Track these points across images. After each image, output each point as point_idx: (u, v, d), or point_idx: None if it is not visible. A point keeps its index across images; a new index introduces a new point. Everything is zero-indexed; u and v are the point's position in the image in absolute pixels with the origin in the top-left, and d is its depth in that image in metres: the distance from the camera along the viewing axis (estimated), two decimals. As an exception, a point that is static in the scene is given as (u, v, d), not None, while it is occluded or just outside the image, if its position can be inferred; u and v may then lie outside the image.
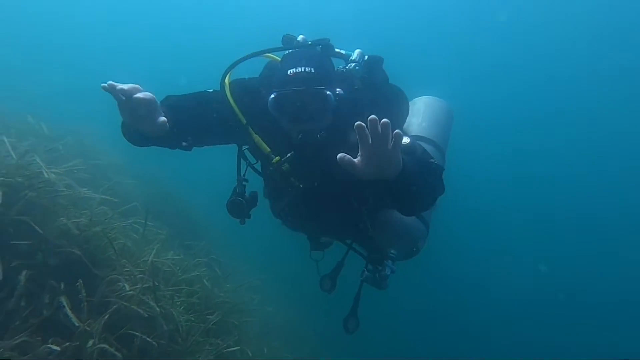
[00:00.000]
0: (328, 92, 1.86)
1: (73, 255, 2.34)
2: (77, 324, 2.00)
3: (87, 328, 2.02)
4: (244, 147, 2.25)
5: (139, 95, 1.54)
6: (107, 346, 1.97)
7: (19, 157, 2.43)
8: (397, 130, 1.46)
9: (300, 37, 2.25)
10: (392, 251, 2.26)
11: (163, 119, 1.61)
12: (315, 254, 2.54)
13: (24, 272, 2.05)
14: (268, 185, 2.37)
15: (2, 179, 2.15)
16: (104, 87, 1.46)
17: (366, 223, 2.28)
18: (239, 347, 2.72)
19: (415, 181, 1.62)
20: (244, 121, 2.05)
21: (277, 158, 2.04)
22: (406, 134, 1.92)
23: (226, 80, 2.08)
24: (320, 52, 2.11)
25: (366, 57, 2.31)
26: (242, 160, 2.27)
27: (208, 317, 2.80)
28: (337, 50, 2.28)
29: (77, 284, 2.07)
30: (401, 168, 1.55)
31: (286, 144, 2.01)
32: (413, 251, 2.35)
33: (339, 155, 1.49)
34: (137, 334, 2.21)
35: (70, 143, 4.20)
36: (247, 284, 4.01)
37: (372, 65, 2.30)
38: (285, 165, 2.03)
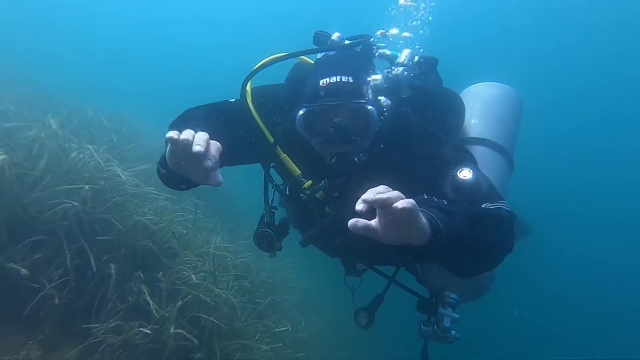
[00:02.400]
0: (370, 107, 1.47)
1: (147, 248, 2.62)
2: (156, 311, 2.30)
3: (166, 314, 2.32)
4: (271, 165, 1.86)
5: (212, 152, 1.13)
6: (184, 332, 2.26)
7: (97, 161, 2.67)
8: (408, 205, 0.98)
9: (335, 35, 1.76)
10: (451, 295, 1.76)
11: (220, 178, 1.20)
12: (351, 280, 2.06)
13: (112, 265, 2.34)
14: (296, 210, 1.94)
15: (89, 185, 2.40)
16: (172, 140, 1.09)
17: (415, 265, 1.90)
18: (285, 327, 3.00)
19: (463, 242, 1.21)
20: (272, 139, 1.67)
21: (310, 182, 1.65)
22: (464, 162, 1.48)
23: (248, 88, 1.71)
24: (359, 55, 1.69)
25: (416, 58, 1.84)
26: (269, 183, 1.88)
27: (257, 300, 3.09)
28: (381, 50, 1.82)
29: (159, 274, 2.35)
30: (430, 234, 1.08)
31: (321, 166, 1.62)
32: (477, 295, 1.85)
33: (350, 221, 1.04)
34: (204, 316, 2.50)
35: (125, 134, 4.46)
36: (284, 264, 4.29)
37: (424, 69, 1.87)
38: (320, 192, 1.64)
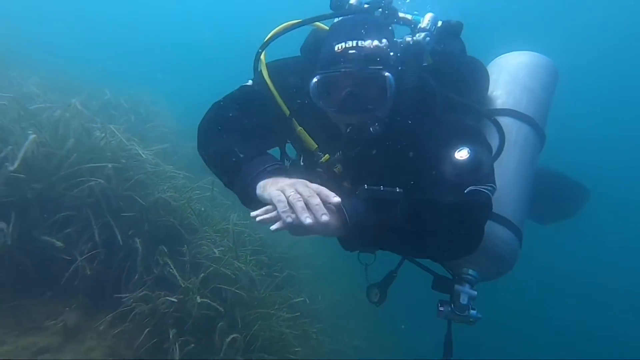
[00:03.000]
0: (387, 74, 1.39)
1: (169, 223, 2.72)
2: (181, 282, 2.41)
3: (189, 285, 2.43)
4: (287, 141, 1.79)
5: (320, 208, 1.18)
6: (209, 301, 2.37)
7: (119, 140, 2.75)
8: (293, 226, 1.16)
9: (354, 0, 1.66)
10: (469, 271, 1.65)
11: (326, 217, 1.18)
12: (365, 257, 1.96)
13: (137, 240, 2.44)
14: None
15: (112, 163, 2.48)
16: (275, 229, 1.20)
17: None
18: (302, 298, 3.11)
19: (400, 232, 1.29)
20: (287, 112, 1.60)
21: (327, 157, 1.59)
22: (466, 140, 1.44)
23: (262, 58, 1.64)
24: (378, 19, 1.58)
25: (440, 23, 1.72)
26: (285, 160, 1.81)
27: (275, 273, 3.19)
28: (401, 14, 1.71)
29: (183, 248, 2.45)
30: (340, 228, 1.24)
31: (337, 139, 1.57)
32: (499, 271, 1.71)
33: (252, 213, 1.24)
34: (225, 287, 2.61)
35: (142, 114, 4.53)
36: (299, 240, 4.39)
37: (447, 35, 1.74)
38: (338, 166, 1.59)
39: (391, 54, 1.44)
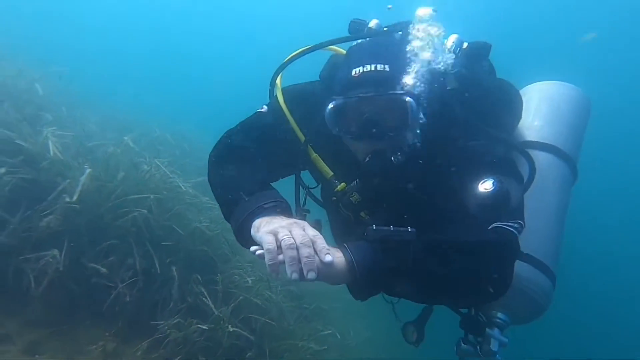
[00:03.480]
0: (408, 99, 1.30)
1: (203, 252, 2.83)
2: (213, 311, 2.47)
3: (220, 314, 2.48)
4: (304, 168, 1.69)
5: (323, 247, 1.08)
6: (240, 330, 2.40)
7: (162, 174, 2.94)
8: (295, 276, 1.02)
9: (373, 23, 1.58)
10: (498, 314, 1.55)
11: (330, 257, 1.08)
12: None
13: (174, 268, 2.56)
14: (330, 217, 1.76)
15: (154, 194, 2.66)
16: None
17: None
18: (331, 331, 3.06)
19: (413, 276, 1.16)
20: (302, 138, 1.53)
21: (343, 185, 1.50)
22: (492, 171, 1.31)
23: (278, 82, 1.60)
24: (399, 42, 1.47)
25: (465, 44, 1.61)
26: (301, 187, 1.70)
27: (304, 305, 3.18)
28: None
29: (217, 277, 2.52)
30: (347, 275, 1.10)
31: (355, 168, 1.48)
32: (531, 316, 1.62)
33: (252, 248, 1.12)
34: (256, 317, 2.64)
35: (186, 148, 4.83)
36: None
37: (474, 57, 1.63)
38: (355, 195, 1.48)
39: (412, 78, 1.35)
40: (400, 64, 1.35)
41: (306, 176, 1.70)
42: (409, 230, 1.16)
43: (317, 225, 1.51)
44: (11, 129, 2.72)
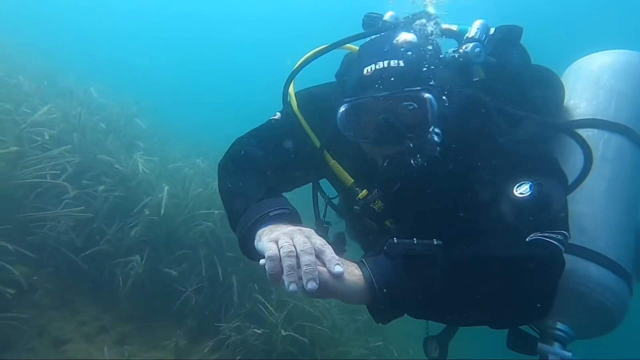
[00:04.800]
0: (427, 95, 1.16)
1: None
2: (268, 317, 2.64)
3: (273, 320, 2.64)
4: (322, 177, 1.57)
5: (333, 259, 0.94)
6: (294, 333, 2.53)
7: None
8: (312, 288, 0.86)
9: (388, 15, 1.44)
10: (557, 325, 1.31)
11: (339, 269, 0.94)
12: None
13: (234, 276, 2.80)
14: (352, 226, 1.60)
15: (218, 210, 2.95)
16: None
17: None
18: (382, 343, 3.03)
19: (440, 294, 0.99)
20: (318, 143, 1.41)
21: (365, 192, 1.36)
22: (529, 172, 1.14)
23: (290, 90, 1.48)
24: (416, 34, 1.32)
25: (492, 30, 1.43)
26: (319, 196, 1.56)
27: (357, 317, 3.21)
28: (445, 26, 1.46)
29: (273, 287, 2.70)
30: (364, 295, 0.95)
31: (375, 173, 1.33)
32: (602, 325, 1.34)
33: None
34: (309, 325, 2.74)
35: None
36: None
37: (502, 43, 1.46)
38: (378, 203, 1.34)
39: (432, 71, 1.20)
40: (417, 57, 1.19)
41: (326, 186, 1.54)
42: (435, 242, 0.99)
43: (340, 239, 1.45)
44: (112, 155, 3.25)
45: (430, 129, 1.20)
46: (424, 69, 1.20)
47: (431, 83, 1.19)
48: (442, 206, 1.29)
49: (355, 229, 1.57)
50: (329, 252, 0.94)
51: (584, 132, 1.43)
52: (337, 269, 0.91)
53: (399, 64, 1.18)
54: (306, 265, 0.88)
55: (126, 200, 2.92)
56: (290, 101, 1.47)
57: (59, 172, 2.70)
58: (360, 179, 1.40)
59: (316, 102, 1.44)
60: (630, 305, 1.30)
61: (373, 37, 1.35)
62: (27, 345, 2.24)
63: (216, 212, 2.92)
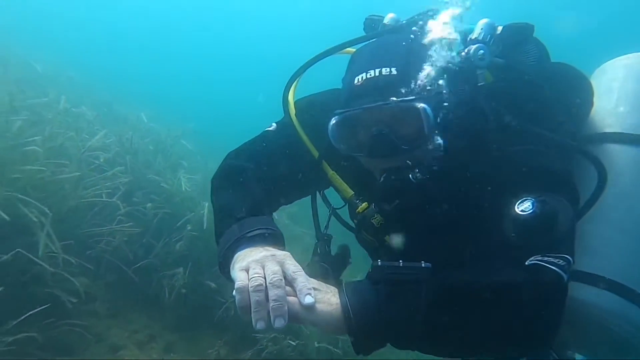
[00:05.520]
0: (420, 105, 1.08)
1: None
2: (304, 329, 2.68)
3: (308, 332, 2.68)
4: (324, 190, 1.49)
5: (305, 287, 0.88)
6: (327, 345, 2.56)
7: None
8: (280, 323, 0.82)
9: (389, 18, 1.38)
10: (575, 356, 1.29)
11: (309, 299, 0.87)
12: None
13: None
14: (358, 238, 1.49)
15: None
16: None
17: None
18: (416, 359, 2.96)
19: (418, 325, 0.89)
20: (316, 154, 1.33)
21: (364, 205, 1.28)
22: (536, 188, 1.03)
23: (290, 98, 1.39)
24: (413, 38, 1.23)
25: (499, 29, 1.33)
26: (326, 207, 1.48)
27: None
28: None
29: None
30: (335, 324, 0.87)
31: (374, 185, 1.24)
32: (621, 355, 1.27)
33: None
34: (342, 337, 2.75)
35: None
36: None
37: (511, 41, 1.34)
38: (376, 217, 1.26)
39: (428, 78, 1.12)
40: (412, 64, 1.11)
41: (333, 196, 1.45)
42: (423, 265, 0.91)
43: (344, 251, 1.35)
44: (160, 175, 3.51)
45: (428, 141, 1.13)
46: (420, 76, 1.11)
47: (427, 90, 1.10)
48: (444, 224, 1.19)
49: (359, 238, 1.44)
50: (300, 280, 0.88)
51: (614, 148, 1.32)
52: (308, 299, 0.84)
53: (391, 72, 1.09)
54: (274, 300, 0.83)
55: (172, 217, 3.12)
56: (287, 108, 1.38)
57: (112, 191, 2.96)
58: (361, 191, 1.31)
59: (315, 110, 1.34)
60: None
61: (367, 42, 1.26)
62: (86, 350, 2.45)
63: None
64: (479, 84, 1.23)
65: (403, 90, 1.08)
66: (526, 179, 1.06)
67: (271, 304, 0.82)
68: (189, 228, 2.90)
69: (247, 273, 0.88)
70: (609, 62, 1.51)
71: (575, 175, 1.17)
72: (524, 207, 0.98)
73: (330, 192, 1.45)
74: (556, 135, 1.14)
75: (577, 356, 1.25)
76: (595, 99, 1.41)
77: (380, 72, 1.10)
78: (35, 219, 2.18)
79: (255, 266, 0.89)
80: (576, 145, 1.22)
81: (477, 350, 1.01)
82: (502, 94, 1.22)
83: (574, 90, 1.35)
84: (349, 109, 1.14)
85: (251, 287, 0.84)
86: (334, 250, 1.36)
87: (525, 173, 1.07)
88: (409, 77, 1.10)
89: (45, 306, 2.01)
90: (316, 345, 2.60)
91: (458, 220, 1.19)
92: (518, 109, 1.17)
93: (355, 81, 1.13)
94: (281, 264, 0.90)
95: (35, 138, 2.65)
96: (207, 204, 3.10)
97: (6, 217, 2.01)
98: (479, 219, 1.13)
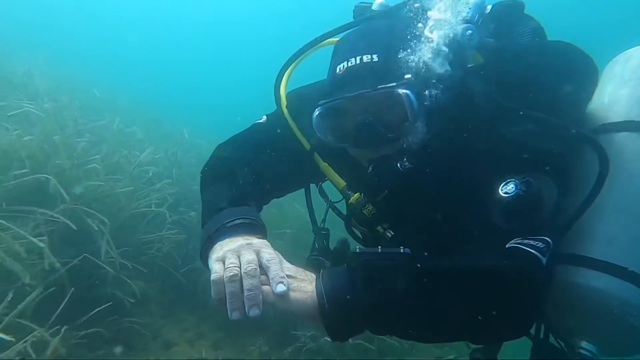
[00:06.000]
0: (403, 91, 1.04)
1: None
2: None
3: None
4: (321, 183, 1.47)
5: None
6: (363, 342, 2.64)
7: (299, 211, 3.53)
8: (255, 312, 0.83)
9: (377, 3, 1.31)
10: (582, 344, 1.21)
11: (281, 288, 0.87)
12: None
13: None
14: (348, 230, 1.46)
15: (290, 229, 3.22)
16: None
17: None
18: (454, 356, 2.95)
19: (391, 310, 0.87)
20: (307, 145, 1.30)
21: (356, 196, 1.25)
22: (521, 168, 0.99)
23: (282, 92, 1.35)
24: (399, 21, 1.18)
25: (489, 7, 1.26)
26: (311, 201, 1.46)
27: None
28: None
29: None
30: (310, 311, 0.87)
31: (364, 175, 1.22)
32: (632, 344, 1.22)
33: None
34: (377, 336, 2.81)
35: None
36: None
37: (503, 20, 1.27)
38: (368, 207, 1.24)
39: (413, 63, 1.08)
40: (394, 49, 1.08)
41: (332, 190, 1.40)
42: (402, 251, 0.90)
43: (343, 246, 1.30)
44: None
45: (414, 127, 1.09)
46: (403, 60, 1.07)
47: (412, 74, 1.06)
48: (435, 211, 1.15)
49: (349, 233, 1.42)
50: (273, 268, 0.87)
51: (619, 136, 1.22)
52: (279, 288, 0.84)
53: (372, 58, 1.07)
54: (248, 290, 0.83)
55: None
56: (279, 100, 1.34)
57: (161, 201, 3.24)
58: (353, 182, 1.28)
59: (306, 101, 1.27)
60: None
61: (351, 30, 1.22)
62: (144, 346, 2.71)
63: (288, 231, 3.19)
64: (469, 66, 1.19)
65: (385, 77, 1.05)
66: (512, 160, 1.03)
67: (246, 294, 0.83)
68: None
69: (223, 263, 0.89)
70: (626, 51, 1.40)
71: (572, 158, 1.15)
72: (507, 189, 0.97)
73: (329, 186, 1.41)
74: (550, 116, 1.07)
75: (584, 344, 1.19)
76: (615, 85, 1.30)
77: (361, 59, 1.07)
78: (96, 228, 2.46)
79: (231, 256, 0.90)
80: (572, 126, 1.11)
81: (453, 336, 0.99)
82: (492, 74, 1.16)
83: (576, 70, 1.25)
84: (331, 99, 1.11)
85: (226, 277, 0.85)
86: (333, 245, 1.33)
87: (512, 154, 1.04)
88: (391, 63, 1.07)
89: (108, 304, 2.26)
90: (350, 342, 2.67)
91: (448, 207, 1.14)
92: (509, 89, 1.11)
93: (337, 70, 1.11)
94: (257, 253, 0.91)
95: (96, 157, 2.98)
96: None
97: (74, 226, 2.30)
98: (468, 204, 1.09)
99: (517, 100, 1.08)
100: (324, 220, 1.42)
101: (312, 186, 1.47)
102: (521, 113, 1.06)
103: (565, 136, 1.08)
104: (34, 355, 1.46)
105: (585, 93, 1.27)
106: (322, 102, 1.13)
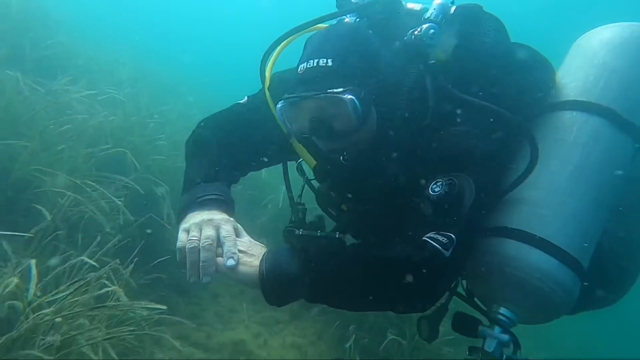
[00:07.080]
0: (348, 97, 1.11)
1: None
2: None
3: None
4: (299, 160, 1.54)
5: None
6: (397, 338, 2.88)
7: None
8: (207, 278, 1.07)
9: None
10: (500, 310, 1.27)
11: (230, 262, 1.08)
12: None
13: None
14: (319, 204, 1.57)
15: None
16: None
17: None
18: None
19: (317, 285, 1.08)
20: (284, 128, 1.36)
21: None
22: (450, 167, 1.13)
23: (267, 71, 1.41)
24: (365, 23, 1.31)
25: (453, 8, 1.31)
26: (289, 177, 1.59)
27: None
28: (410, 5, 1.37)
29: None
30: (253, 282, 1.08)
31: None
32: (546, 313, 1.27)
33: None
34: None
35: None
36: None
37: (464, 21, 1.31)
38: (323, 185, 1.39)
39: (366, 66, 1.17)
40: (351, 54, 1.16)
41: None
42: (337, 236, 1.13)
43: (319, 220, 1.38)
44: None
45: (360, 129, 1.18)
46: (358, 66, 1.16)
47: (365, 77, 1.15)
48: (368, 202, 1.31)
49: (321, 208, 1.54)
50: (227, 244, 1.06)
51: (560, 115, 1.35)
52: (229, 262, 1.04)
53: (327, 63, 1.15)
54: (203, 262, 1.04)
55: (256, 197, 3.80)
56: (264, 82, 1.42)
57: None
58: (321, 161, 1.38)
59: (285, 84, 1.34)
60: (576, 294, 1.22)
61: (319, 31, 1.30)
62: (195, 293, 3.20)
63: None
64: (431, 62, 1.25)
65: (335, 82, 1.13)
66: (443, 161, 1.14)
67: (201, 264, 1.03)
68: (269, 207, 3.50)
69: (187, 234, 1.09)
70: (585, 35, 1.51)
71: (512, 147, 1.30)
72: (435, 188, 1.10)
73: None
74: (504, 110, 1.17)
75: (501, 309, 1.27)
76: (573, 70, 1.44)
77: (317, 62, 1.16)
78: (159, 194, 2.96)
79: (195, 229, 1.08)
80: (520, 121, 1.21)
81: (373, 307, 1.16)
82: (452, 71, 1.23)
83: (532, 71, 1.36)
84: (290, 95, 1.21)
85: (187, 248, 1.05)
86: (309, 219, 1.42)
87: (444, 155, 1.15)
88: (344, 68, 1.14)
89: (168, 257, 2.73)
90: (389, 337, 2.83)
91: (387, 197, 1.28)
92: (467, 85, 1.20)
93: (299, 69, 1.21)
94: (217, 228, 1.09)
95: (162, 135, 3.51)
96: (283, 189, 3.65)
97: (141, 191, 2.81)
98: (404, 197, 1.22)
99: (472, 93, 1.18)
100: (300, 196, 1.54)
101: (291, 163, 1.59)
102: (473, 106, 1.17)
103: (510, 125, 1.20)
104: (113, 279, 1.92)
105: (540, 92, 1.37)
106: (285, 95, 1.23)
